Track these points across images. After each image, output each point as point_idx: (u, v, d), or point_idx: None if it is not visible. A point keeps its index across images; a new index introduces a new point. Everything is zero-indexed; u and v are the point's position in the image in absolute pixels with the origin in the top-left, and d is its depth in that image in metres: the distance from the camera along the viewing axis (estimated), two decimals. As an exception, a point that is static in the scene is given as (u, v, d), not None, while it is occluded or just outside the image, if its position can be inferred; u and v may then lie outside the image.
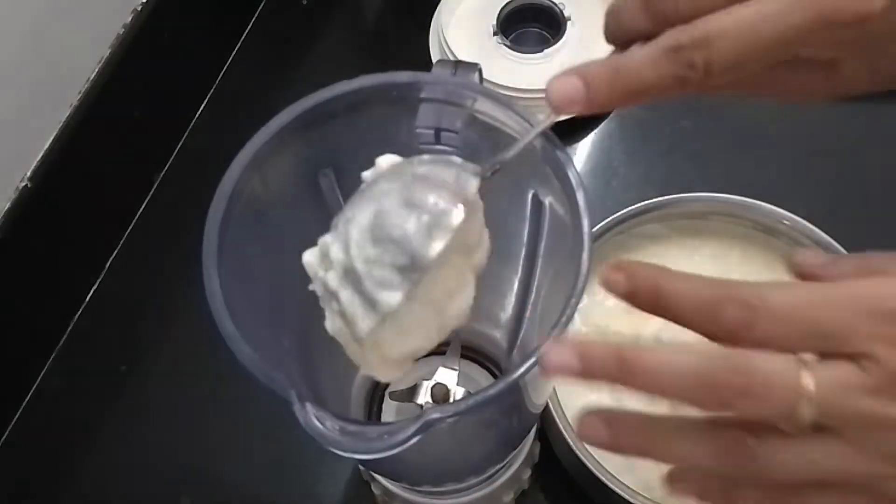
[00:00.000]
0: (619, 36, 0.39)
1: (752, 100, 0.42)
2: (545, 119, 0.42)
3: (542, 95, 0.77)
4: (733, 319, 0.36)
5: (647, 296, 0.38)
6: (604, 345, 0.37)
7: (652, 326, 0.66)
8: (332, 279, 0.41)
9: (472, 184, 0.41)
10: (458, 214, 0.39)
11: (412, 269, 0.39)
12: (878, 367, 0.35)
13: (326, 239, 0.41)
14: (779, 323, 0.36)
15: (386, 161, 0.43)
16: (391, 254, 0.40)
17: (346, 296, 0.41)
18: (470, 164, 0.42)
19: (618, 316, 0.67)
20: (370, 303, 0.40)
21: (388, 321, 0.40)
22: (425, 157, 0.43)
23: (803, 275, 0.45)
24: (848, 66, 0.39)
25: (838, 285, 0.37)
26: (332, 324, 0.42)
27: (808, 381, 0.35)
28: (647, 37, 0.37)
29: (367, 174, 0.42)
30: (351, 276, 0.40)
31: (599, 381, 0.37)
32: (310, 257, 0.42)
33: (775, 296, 0.36)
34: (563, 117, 0.41)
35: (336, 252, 0.41)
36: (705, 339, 0.38)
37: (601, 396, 0.64)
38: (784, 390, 0.35)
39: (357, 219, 0.40)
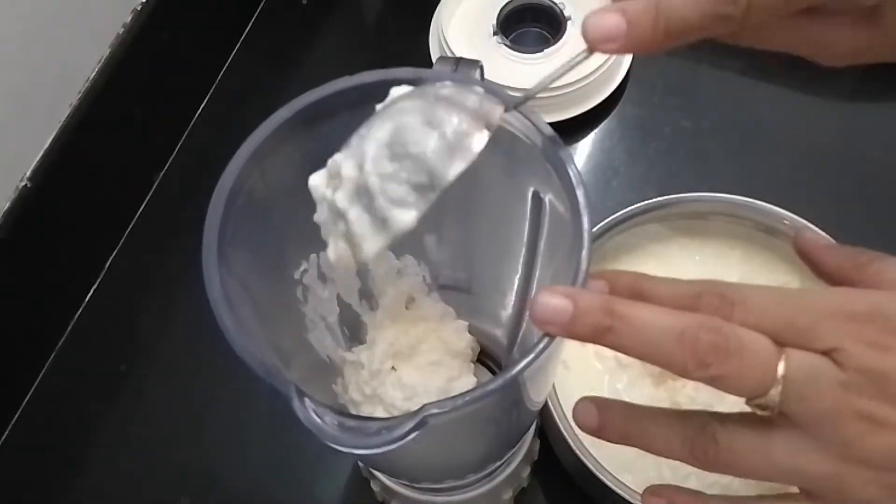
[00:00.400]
0: None
1: (796, 56, 0.41)
2: (578, 55, 0.39)
3: (542, 95, 0.77)
4: (711, 309, 0.37)
5: (629, 295, 0.39)
6: (596, 294, 0.38)
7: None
8: (341, 198, 0.40)
9: (497, 111, 0.41)
10: (481, 138, 0.39)
11: (430, 188, 0.39)
12: (849, 361, 0.35)
13: (337, 157, 0.41)
14: (755, 316, 0.36)
15: (401, 90, 0.42)
16: (409, 171, 0.39)
17: (356, 214, 0.40)
18: (493, 94, 0.41)
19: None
20: (381, 221, 0.40)
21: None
22: (447, 82, 0.42)
23: (803, 253, 0.45)
24: (891, 14, 0.38)
25: (812, 292, 0.39)
26: (334, 249, 0.41)
27: (782, 364, 0.36)
28: None
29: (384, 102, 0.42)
30: (363, 193, 0.40)
31: (586, 335, 0.37)
32: (316, 179, 0.42)
33: (753, 294, 0.37)
34: (586, 73, 0.40)
35: (348, 169, 0.40)
36: None
37: (600, 394, 0.64)
38: (760, 364, 0.36)
39: (374, 135, 0.40)
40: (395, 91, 0.42)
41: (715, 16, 0.36)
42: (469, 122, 0.39)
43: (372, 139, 0.40)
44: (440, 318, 0.57)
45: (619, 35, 0.37)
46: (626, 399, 0.64)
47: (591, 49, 0.38)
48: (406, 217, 0.39)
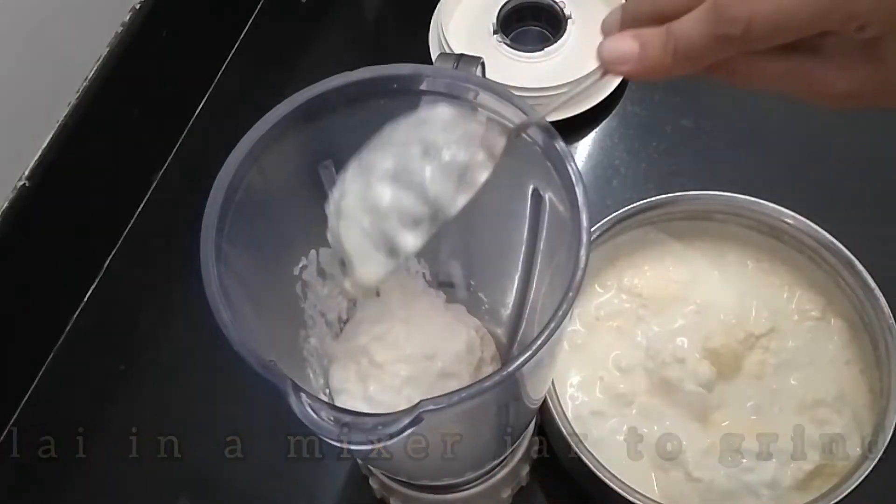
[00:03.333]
0: (650, 11, 0.39)
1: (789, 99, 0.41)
2: (593, 73, 0.41)
3: (542, 95, 0.77)
4: None
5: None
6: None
7: (651, 323, 0.66)
8: (345, 226, 0.41)
9: (500, 142, 0.41)
10: (485, 170, 0.40)
11: (433, 219, 0.40)
12: None
13: (339, 188, 0.42)
14: None
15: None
16: (413, 203, 0.40)
17: (358, 242, 0.41)
18: (497, 120, 0.41)
19: (616, 313, 0.67)
20: (386, 249, 0.41)
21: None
22: (447, 105, 0.43)
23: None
24: (890, 48, 0.37)
25: None
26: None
27: None
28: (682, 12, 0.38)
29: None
30: (366, 221, 0.41)
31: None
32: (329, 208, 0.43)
33: None
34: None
35: (352, 198, 0.41)
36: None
37: (600, 393, 0.64)
38: None
39: (379, 164, 0.41)
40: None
41: (716, 36, 0.37)
42: (474, 155, 0.40)
43: (377, 169, 0.41)
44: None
45: (632, 57, 0.39)
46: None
47: (605, 70, 0.40)
48: (409, 245, 0.41)
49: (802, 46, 0.38)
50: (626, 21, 0.40)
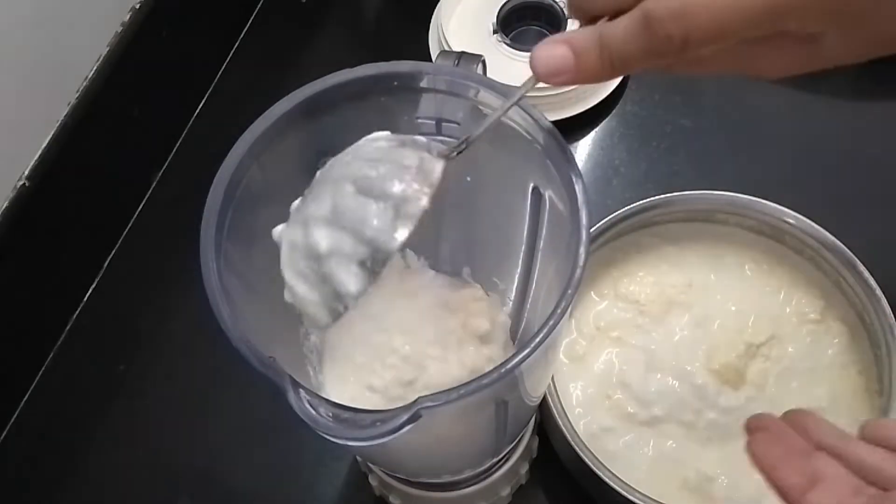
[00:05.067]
0: (588, 7, 0.39)
1: (731, 76, 0.42)
2: (520, 89, 0.41)
3: (542, 95, 0.77)
4: None
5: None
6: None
7: (651, 330, 0.66)
8: (290, 268, 0.41)
9: (437, 167, 0.41)
10: (422, 202, 0.39)
11: (374, 260, 0.40)
12: None
13: (281, 230, 0.42)
14: None
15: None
16: (350, 245, 0.40)
17: (304, 286, 0.41)
18: (435, 143, 0.41)
19: (617, 319, 0.67)
20: (330, 292, 0.40)
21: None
22: (382, 135, 0.42)
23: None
24: (829, 39, 0.38)
25: None
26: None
27: None
28: (618, 11, 0.37)
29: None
30: (310, 265, 0.40)
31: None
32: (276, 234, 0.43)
33: None
34: (542, 87, 0.40)
35: (294, 239, 0.41)
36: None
37: (598, 391, 0.64)
38: None
39: (315, 210, 0.40)
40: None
41: (650, 51, 0.36)
42: (408, 186, 0.39)
43: (314, 213, 0.40)
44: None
45: (567, 68, 0.38)
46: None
47: (541, 80, 0.39)
48: (351, 287, 0.40)
49: None
50: (572, 5, 0.40)
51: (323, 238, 0.40)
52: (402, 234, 0.39)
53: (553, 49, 0.38)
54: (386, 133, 0.42)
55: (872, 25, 0.38)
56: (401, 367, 0.52)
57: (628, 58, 0.37)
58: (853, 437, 0.44)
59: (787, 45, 0.39)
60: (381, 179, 0.40)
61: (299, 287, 0.41)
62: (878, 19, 0.37)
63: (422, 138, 0.42)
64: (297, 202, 0.42)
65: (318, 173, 0.42)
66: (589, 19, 0.39)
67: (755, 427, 0.47)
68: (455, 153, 0.41)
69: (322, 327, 0.42)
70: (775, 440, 0.45)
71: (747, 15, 0.35)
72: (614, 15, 0.38)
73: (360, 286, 0.40)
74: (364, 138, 0.42)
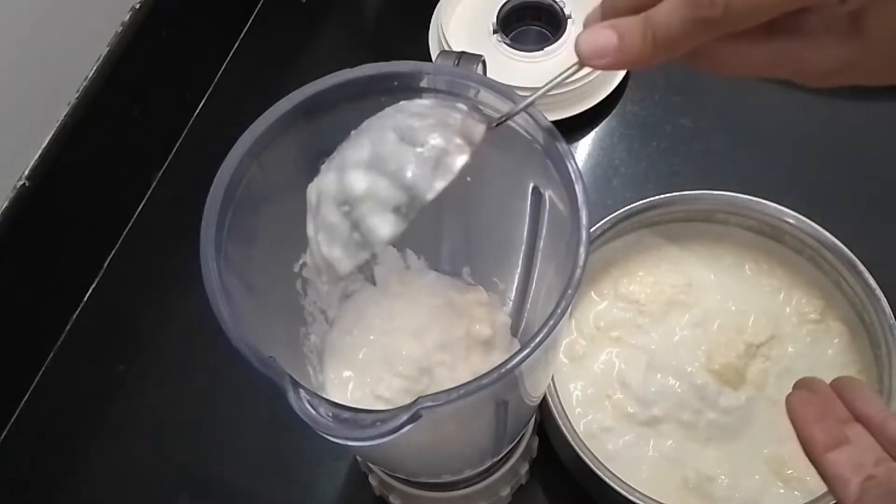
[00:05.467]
0: (627, 4, 0.38)
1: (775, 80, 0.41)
2: (568, 70, 0.41)
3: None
4: None
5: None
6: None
7: (650, 330, 0.66)
8: (323, 213, 0.41)
9: (479, 130, 0.41)
10: (462, 157, 0.39)
11: (408, 206, 0.40)
12: None
13: (320, 177, 0.42)
14: None
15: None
16: (388, 189, 0.40)
17: (329, 232, 0.41)
18: (476, 111, 0.41)
19: (618, 321, 0.67)
20: (359, 237, 0.40)
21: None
22: (429, 99, 0.43)
23: None
24: (872, 23, 0.37)
25: None
26: (312, 262, 0.43)
27: None
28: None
29: None
30: (342, 210, 0.40)
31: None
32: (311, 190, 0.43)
33: None
34: (587, 72, 0.40)
35: (329, 184, 0.41)
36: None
37: (598, 391, 0.64)
38: None
39: (354, 153, 0.40)
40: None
41: (695, 20, 0.36)
42: (450, 140, 0.40)
43: (352, 157, 0.41)
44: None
45: (611, 49, 0.38)
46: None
47: (584, 63, 0.39)
48: (383, 233, 0.40)
49: (783, 27, 0.37)
50: (607, 14, 0.39)
51: (359, 181, 0.40)
52: (440, 185, 0.40)
53: (597, 32, 0.38)
54: (429, 99, 0.43)
55: None
56: (409, 375, 0.52)
57: (672, 32, 0.37)
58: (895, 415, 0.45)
59: (831, 41, 0.38)
60: (425, 130, 0.40)
61: (322, 239, 0.41)
62: None
63: (464, 105, 0.42)
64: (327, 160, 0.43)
65: (356, 130, 0.42)
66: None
67: (802, 385, 0.48)
68: (496, 124, 0.42)
69: (342, 277, 0.42)
70: (816, 402, 0.46)
71: None
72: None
73: (392, 231, 0.40)
74: (404, 101, 0.42)
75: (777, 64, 0.39)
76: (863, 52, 0.38)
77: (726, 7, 0.35)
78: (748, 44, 0.38)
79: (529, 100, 0.42)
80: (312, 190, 0.42)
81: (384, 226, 0.40)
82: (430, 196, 0.39)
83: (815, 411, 0.45)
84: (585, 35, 0.38)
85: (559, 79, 0.41)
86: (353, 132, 0.42)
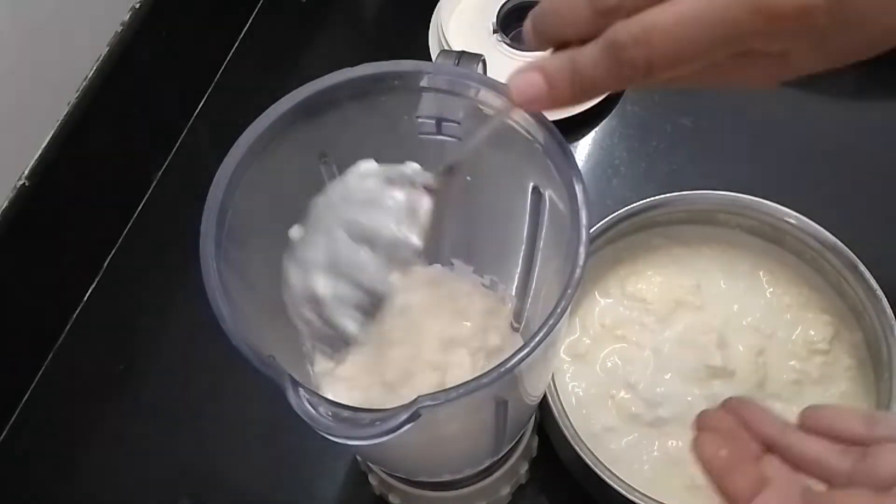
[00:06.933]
0: (553, 35, 0.39)
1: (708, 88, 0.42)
2: (497, 115, 0.42)
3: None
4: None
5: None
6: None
7: (656, 329, 0.66)
8: (301, 309, 0.42)
9: (425, 204, 0.41)
10: (413, 245, 0.40)
11: (372, 304, 0.41)
12: None
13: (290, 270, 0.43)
14: None
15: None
16: (349, 290, 0.41)
17: (308, 333, 0.43)
18: (421, 173, 0.42)
19: (622, 318, 0.67)
20: (334, 332, 0.42)
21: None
22: (371, 170, 0.43)
23: None
24: (798, 55, 0.38)
25: None
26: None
27: None
28: (585, 37, 0.38)
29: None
30: (314, 309, 0.42)
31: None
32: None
33: None
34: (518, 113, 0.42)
35: (296, 284, 0.42)
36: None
37: (600, 390, 0.64)
38: None
39: (312, 255, 0.42)
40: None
41: (618, 77, 0.37)
42: (399, 231, 0.41)
43: (311, 259, 0.42)
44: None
45: (541, 97, 0.39)
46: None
47: (518, 107, 0.41)
48: (351, 330, 0.41)
49: None
50: (535, 34, 0.40)
51: (320, 284, 0.41)
52: (396, 278, 0.41)
53: (528, 77, 0.39)
54: (374, 165, 0.43)
55: (836, 40, 0.38)
56: (409, 375, 0.52)
57: (598, 84, 0.38)
58: (795, 428, 0.45)
59: (757, 62, 0.39)
60: (371, 225, 0.41)
61: (303, 329, 0.43)
62: (839, 36, 0.37)
63: (408, 169, 0.42)
64: (294, 228, 0.43)
65: (312, 211, 0.43)
66: (556, 47, 0.39)
67: (703, 426, 0.47)
68: (440, 181, 0.42)
69: (330, 359, 0.44)
70: (723, 442, 0.45)
71: (709, 39, 0.35)
72: (580, 42, 0.38)
73: (358, 328, 0.41)
74: (352, 171, 0.43)
75: (706, 79, 0.40)
76: (789, 70, 0.39)
77: (648, 67, 0.36)
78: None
79: (466, 152, 0.42)
80: (285, 288, 0.43)
81: (350, 323, 0.41)
82: (390, 290, 0.41)
83: (727, 456, 0.44)
84: (517, 81, 0.40)
85: (494, 123, 0.42)
86: (310, 218, 0.43)
